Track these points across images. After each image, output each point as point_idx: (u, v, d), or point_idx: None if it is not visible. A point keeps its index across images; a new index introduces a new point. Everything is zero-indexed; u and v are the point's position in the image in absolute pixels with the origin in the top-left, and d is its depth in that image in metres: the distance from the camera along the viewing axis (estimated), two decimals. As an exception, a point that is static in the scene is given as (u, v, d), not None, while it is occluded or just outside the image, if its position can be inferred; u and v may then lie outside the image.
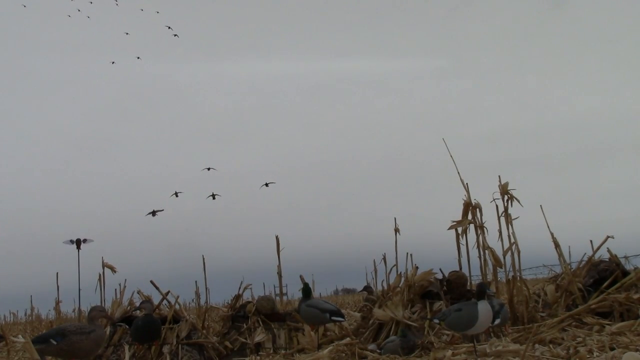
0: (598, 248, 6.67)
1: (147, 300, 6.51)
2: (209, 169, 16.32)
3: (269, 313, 6.80)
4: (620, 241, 6.86)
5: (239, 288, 7.24)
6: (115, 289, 7.57)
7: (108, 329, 6.47)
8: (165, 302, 6.80)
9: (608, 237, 6.51)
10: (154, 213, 14.48)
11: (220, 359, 6.41)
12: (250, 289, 7.56)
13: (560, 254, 6.80)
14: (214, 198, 15.35)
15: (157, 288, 6.68)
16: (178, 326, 6.44)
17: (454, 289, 6.35)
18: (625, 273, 6.47)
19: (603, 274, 6.59)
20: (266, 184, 16.22)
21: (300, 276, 6.71)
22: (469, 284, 6.60)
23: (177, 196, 14.50)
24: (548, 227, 6.73)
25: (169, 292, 6.73)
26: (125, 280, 7.58)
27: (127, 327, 6.46)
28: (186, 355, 6.19)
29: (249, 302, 7.07)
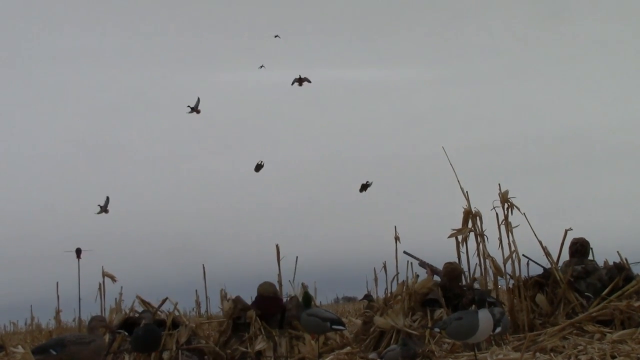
0: (561, 246, 6.52)
1: (148, 310, 6.49)
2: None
3: (271, 296, 6.72)
4: (620, 249, 6.81)
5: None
6: (116, 298, 7.55)
7: (107, 337, 6.44)
8: (164, 309, 6.77)
9: (567, 230, 6.37)
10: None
11: (220, 365, 6.37)
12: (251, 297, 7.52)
13: (552, 262, 6.70)
14: (257, 170, 12.69)
15: (146, 304, 6.63)
16: (177, 332, 6.41)
17: (450, 288, 6.40)
18: (628, 279, 6.42)
19: (575, 272, 6.47)
20: (365, 185, 11.61)
21: (302, 284, 6.68)
22: (466, 286, 6.59)
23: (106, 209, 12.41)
24: (535, 234, 6.54)
25: (166, 298, 6.68)
26: (121, 287, 7.55)
27: (127, 334, 6.42)
28: (186, 361, 6.16)
29: (249, 308, 6.96)
